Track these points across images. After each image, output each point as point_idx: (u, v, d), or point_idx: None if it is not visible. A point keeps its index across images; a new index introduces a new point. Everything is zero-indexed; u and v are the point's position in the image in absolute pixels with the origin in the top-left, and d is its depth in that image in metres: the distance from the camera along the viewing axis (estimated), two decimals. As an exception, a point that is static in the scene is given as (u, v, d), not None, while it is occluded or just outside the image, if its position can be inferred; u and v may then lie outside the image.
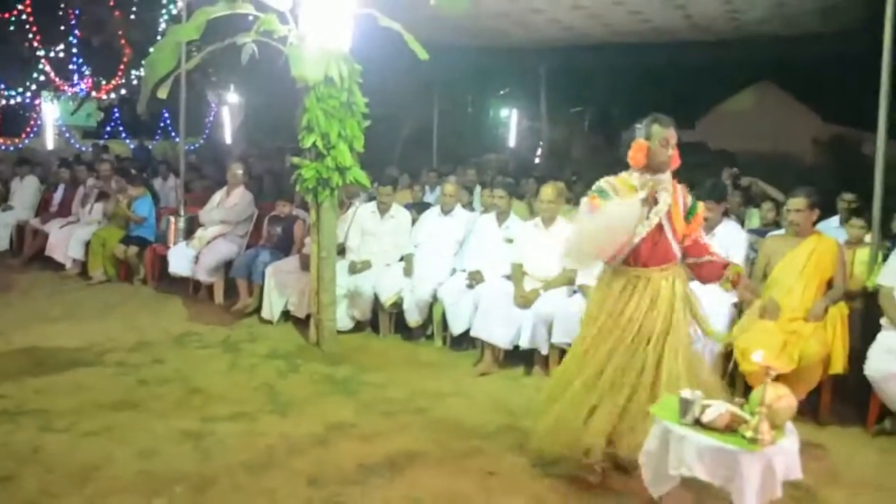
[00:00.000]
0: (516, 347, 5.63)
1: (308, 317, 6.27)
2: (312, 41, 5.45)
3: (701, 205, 3.85)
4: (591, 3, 8.26)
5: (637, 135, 3.67)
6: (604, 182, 3.68)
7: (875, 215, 5.26)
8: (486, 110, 21.06)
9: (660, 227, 3.66)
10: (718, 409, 2.31)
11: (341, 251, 6.54)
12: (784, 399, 2.32)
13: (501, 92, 20.26)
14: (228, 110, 18.05)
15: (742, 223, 7.56)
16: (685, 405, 2.34)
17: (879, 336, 4.64)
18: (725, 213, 5.75)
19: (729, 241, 5.33)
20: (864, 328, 4.88)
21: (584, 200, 3.68)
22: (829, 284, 4.99)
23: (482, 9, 8.50)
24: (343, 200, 6.40)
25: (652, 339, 3.55)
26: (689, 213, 3.77)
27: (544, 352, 5.56)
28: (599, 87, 19.78)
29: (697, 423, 2.32)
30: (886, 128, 5.29)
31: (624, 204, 3.53)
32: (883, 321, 4.70)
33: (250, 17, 5.62)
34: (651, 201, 3.62)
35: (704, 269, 3.80)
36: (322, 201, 5.77)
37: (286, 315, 6.75)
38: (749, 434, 2.23)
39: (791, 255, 5.01)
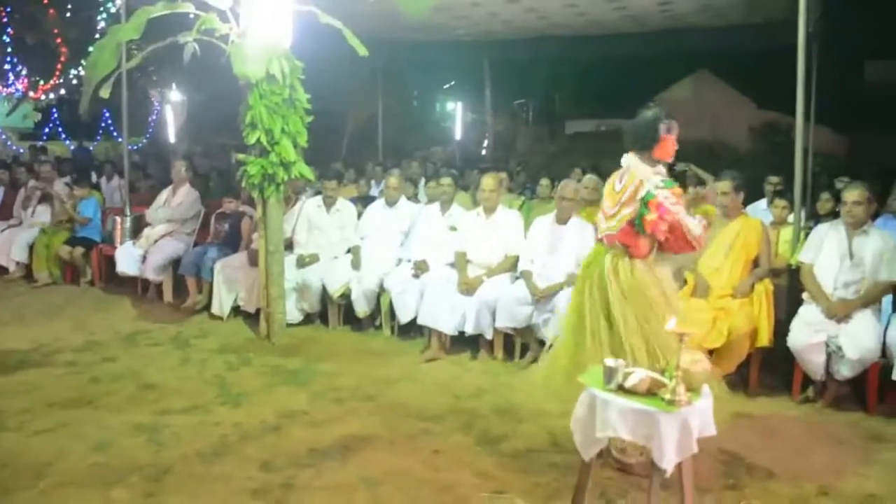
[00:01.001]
0: (462, 333, 5.82)
1: (258, 311, 6.36)
2: (253, 39, 5.54)
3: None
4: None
5: (665, 130, 3.72)
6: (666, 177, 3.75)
7: (797, 196, 5.57)
8: (432, 103, 21.25)
9: None
10: (639, 374, 2.52)
11: (289, 245, 6.63)
12: (699, 363, 2.54)
13: (446, 85, 20.45)
14: (171, 109, 17.88)
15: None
16: (609, 373, 2.55)
17: (801, 310, 4.94)
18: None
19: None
20: (789, 303, 5.17)
21: (666, 193, 3.65)
22: (756, 263, 5.28)
23: (422, 3, 8.62)
24: (289, 195, 6.50)
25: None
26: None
27: (489, 336, 5.77)
28: (542, 79, 20.14)
29: (621, 388, 2.53)
30: (804, 115, 5.61)
31: None
32: (804, 296, 5.01)
33: (191, 16, 5.68)
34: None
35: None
36: (268, 197, 5.87)
37: (236, 310, 6.83)
38: (667, 396, 2.45)
39: (719, 235, 5.29)
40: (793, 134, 5.80)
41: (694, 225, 3.61)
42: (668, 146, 3.73)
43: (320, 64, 6.06)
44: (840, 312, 4.73)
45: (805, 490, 3.64)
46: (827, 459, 3.98)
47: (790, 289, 5.26)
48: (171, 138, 17.26)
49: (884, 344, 4.67)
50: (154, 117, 18.63)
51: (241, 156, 5.93)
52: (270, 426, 4.40)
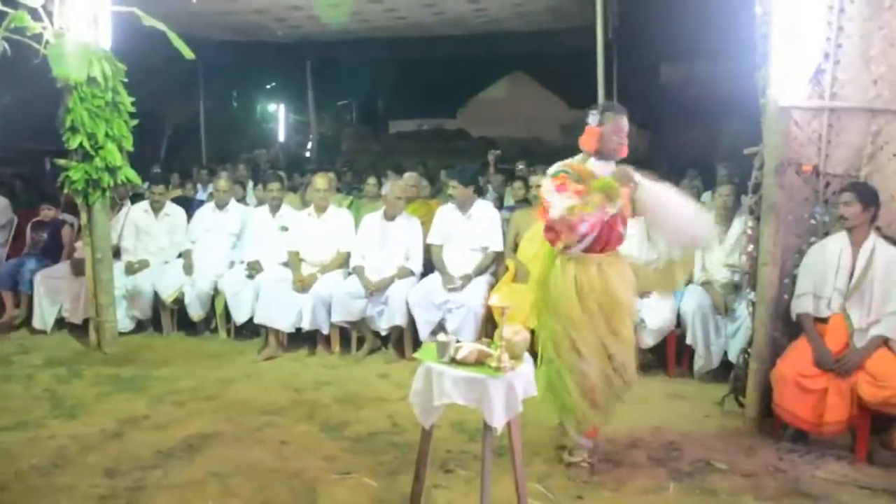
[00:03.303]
0: (299, 330, 5.96)
1: (86, 321, 6.18)
2: (71, 39, 5.39)
3: None
4: (346, 0, 8.65)
5: (590, 121, 3.66)
6: (564, 166, 3.65)
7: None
8: (253, 105, 20.92)
9: (615, 213, 3.65)
10: (469, 347, 2.84)
11: (116, 252, 6.48)
12: (519, 334, 2.90)
13: (268, 87, 20.22)
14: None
15: (503, 200, 8.42)
16: (442, 347, 2.85)
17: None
18: (479, 193, 6.37)
19: (484, 218, 5.97)
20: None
21: (547, 183, 3.61)
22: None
23: (241, 5, 8.64)
24: (115, 201, 6.36)
25: (608, 323, 3.64)
26: None
27: (326, 331, 5.96)
28: (364, 80, 20.36)
29: (453, 360, 2.84)
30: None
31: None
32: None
33: (-1, 14, 5.43)
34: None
35: None
36: (93, 202, 5.73)
37: (60, 322, 6.58)
38: (494, 364, 2.78)
39: (536, 225, 5.75)
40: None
41: (557, 204, 3.48)
42: (589, 135, 3.64)
43: (135, 65, 5.94)
44: None
45: (619, 444, 4.14)
46: (637, 416, 4.49)
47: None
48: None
49: (679, 315, 5.33)
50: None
51: (61, 161, 5.74)
52: (111, 433, 4.35)
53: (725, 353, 5.22)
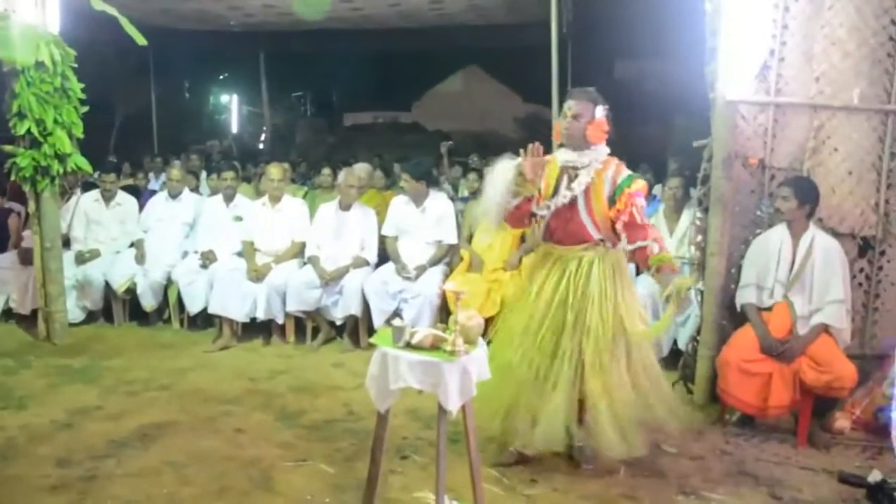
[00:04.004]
0: (253, 320, 5.95)
1: (34, 312, 6.06)
2: (17, 22, 5.27)
3: (635, 185, 3.54)
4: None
5: (562, 114, 3.64)
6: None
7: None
8: (206, 96, 20.65)
9: (573, 205, 3.57)
10: (424, 332, 2.89)
11: (65, 242, 6.36)
12: (473, 319, 2.95)
13: (221, 77, 19.97)
14: None
15: (458, 191, 8.48)
16: (397, 332, 2.89)
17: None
18: (433, 185, 6.40)
19: (438, 210, 6.00)
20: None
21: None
22: (523, 238, 5.88)
23: (318, 4, 8.56)
24: (65, 189, 6.25)
25: (567, 321, 3.53)
26: (616, 193, 3.54)
27: (280, 321, 5.95)
28: (319, 72, 20.25)
29: (408, 345, 2.88)
30: (559, 107, 6.29)
31: (498, 168, 3.55)
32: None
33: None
34: (569, 178, 3.59)
35: (637, 255, 3.56)
36: (42, 190, 5.63)
37: (8, 313, 6.45)
38: (448, 348, 2.83)
39: (490, 216, 5.83)
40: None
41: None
42: (556, 128, 3.69)
43: (85, 51, 5.84)
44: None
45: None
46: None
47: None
48: None
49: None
50: None
51: (8, 147, 5.61)
52: (62, 424, 4.29)
53: (675, 342, 5.34)
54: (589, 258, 3.57)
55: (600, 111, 3.56)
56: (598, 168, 3.57)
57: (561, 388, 3.51)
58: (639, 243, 3.50)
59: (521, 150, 3.46)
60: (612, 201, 3.53)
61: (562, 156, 3.63)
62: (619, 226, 3.52)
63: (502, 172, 3.51)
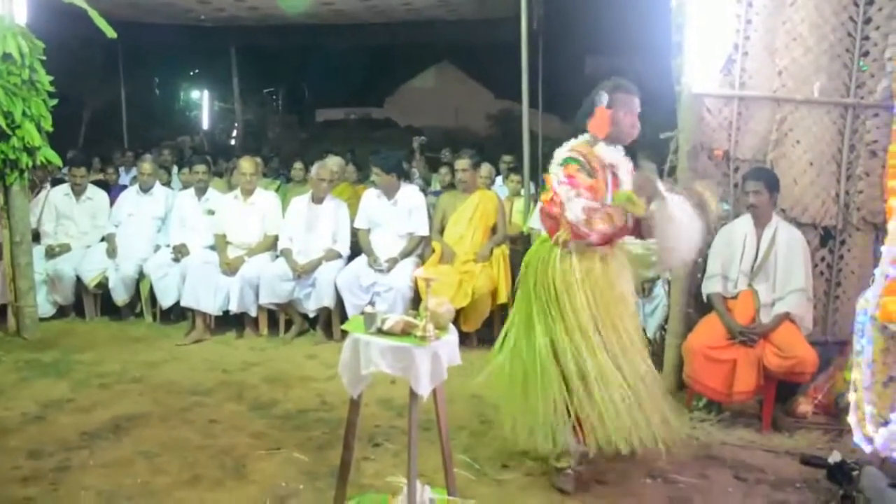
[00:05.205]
0: (226, 313, 5.95)
1: (3, 307, 6.01)
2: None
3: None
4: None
5: (599, 101, 3.38)
6: (573, 152, 3.36)
7: (526, 173, 6.33)
8: (177, 91, 20.48)
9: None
10: (395, 318, 2.93)
11: (35, 236, 6.32)
12: (443, 305, 3.00)
13: (192, 73, 19.82)
14: None
15: (430, 185, 8.53)
16: (369, 318, 2.93)
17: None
18: (405, 178, 6.44)
19: (410, 202, 6.04)
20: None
21: (559, 171, 3.33)
22: (493, 230, 5.95)
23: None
24: (35, 183, 6.21)
25: (607, 316, 3.36)
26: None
27: (253, 314, 5.97)
28: (291, 68, 20.17)
29: (380, 331, 2.92)
30: (529, 103, 6.38)
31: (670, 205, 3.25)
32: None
33: None
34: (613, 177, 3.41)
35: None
36: (11, 184, 5.59)
37: (-25, 308, 6.39)
38: (419, 333, 2.88)
39: (461, 208, 5.92)
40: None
41: (573, 208, 3.21)
42: (600, 118, 3.37)
43: (53, 44, 5.79)
44: None
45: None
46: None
47: (524, 252, 5.95)
48: None
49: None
50: None
51: (-25, 141, 5.56)
52: (33, 416, 4.28)
53: (644, 331, 5.42)
54: (620, 250, 3.50)
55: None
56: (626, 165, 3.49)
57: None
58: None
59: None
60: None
61: (607, 154, 3.43)
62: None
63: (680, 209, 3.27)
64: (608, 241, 3.37)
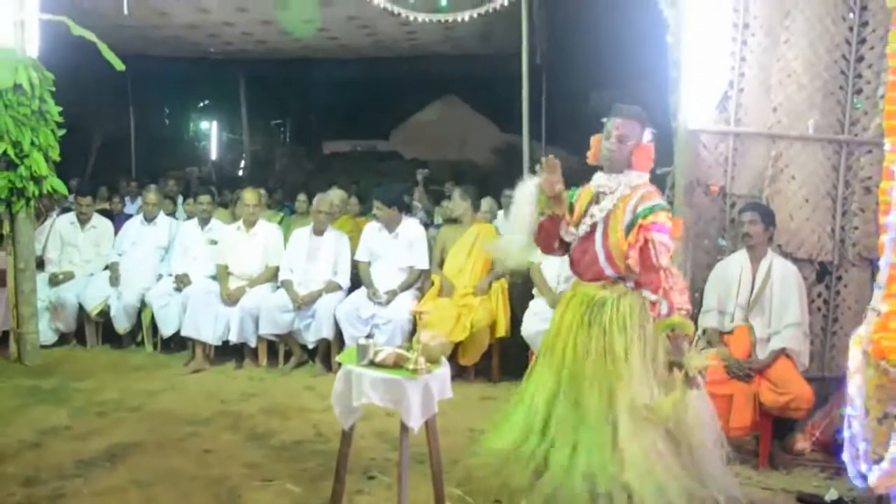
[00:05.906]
0: (226, 343, 5.98)
1: (6, 333, 6.05)
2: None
3: (655, 216, 2.94)
4: (281, 19, 8.72)
5: (604, 132, 3.12)
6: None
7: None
8: (186, 122, 20.68)
9: (591, 235, 3.06)
10: (388, 351, 2.96)
11: (40, 264, 6.38)
12: (436, 339, 3.03)
13: (201, 104, 20.03)
14: None
15: (433, 218, 8.59)
16: (362, 350, 2.97)
17: (531, 303, 5.67)
18: (406, 212, 6.48)
19: (410, 235, 6.06)
20: (522, 298, 5.90)
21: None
22: (492, 263, 5.97)
23: (173, 19, 8.63)
24: (41, 211, 6.28)
25: (587, 366, 2.95)
26: (632, 223, 2.97)
27: (253, 344, 5.99)
28: (298, 99, 20.36)
29: (372, 363, 2.95)
30: (530, 136, 6.45)
31: (520, 185, 3.11)
32: (534, 291, 5.76)
33: None
34: (596, 204, 3.09)
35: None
36: (17, 211, 5.66)
37: (-22, 335, 6.43)
38: (411, 367, 2.90)
39: (460, 241, 5.96)
40: (532, 154, 6.54)
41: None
42: (594, 146, 3.14)
43: (63, 75, 5.92)
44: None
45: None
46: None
47: (522, 285, 6.00)
48: None
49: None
50: None
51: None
52: (30, 443, 4.30)
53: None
54: (602, 297, 3.00)
55: (648, 134, 3.06)
56: (625, 194, 3.01)
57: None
58: (644, 293, 2.97)
59: (538, 165, 3.02)
60: (627, 233, 2.96)
61: (596, 180, 3.14)
62: (630, 263, 2.92)
63: (524, 189, 3.07)
64: (579, 271, 3.15)
